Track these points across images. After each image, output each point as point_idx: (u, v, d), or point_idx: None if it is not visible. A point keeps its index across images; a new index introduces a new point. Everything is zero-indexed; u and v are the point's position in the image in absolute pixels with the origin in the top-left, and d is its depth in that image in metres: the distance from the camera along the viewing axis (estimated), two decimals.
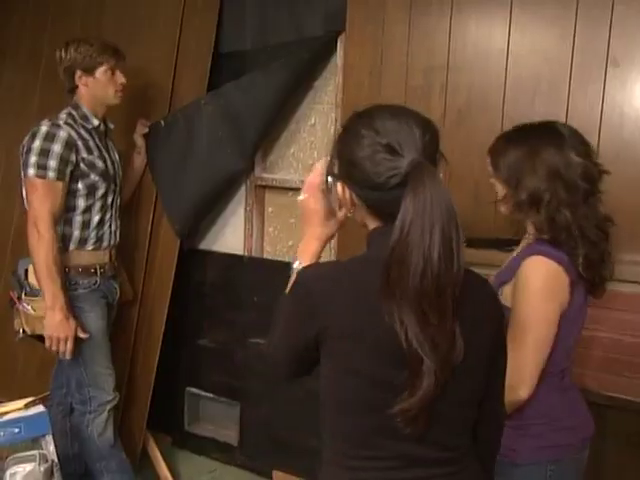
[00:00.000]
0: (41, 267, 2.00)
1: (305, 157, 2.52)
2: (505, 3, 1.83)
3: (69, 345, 2.04)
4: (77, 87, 2.14)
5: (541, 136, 1.31)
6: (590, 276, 1.30)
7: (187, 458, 2.78)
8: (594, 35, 1.70)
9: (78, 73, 2.12)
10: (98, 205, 2.15)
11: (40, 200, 2.02)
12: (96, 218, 2.15)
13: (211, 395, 2.76)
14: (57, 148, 2.01)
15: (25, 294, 2.07)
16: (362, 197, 0.99)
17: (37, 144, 2.02)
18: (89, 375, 2.17)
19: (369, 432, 0.97)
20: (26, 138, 2.07)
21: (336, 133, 1.08)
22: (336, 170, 1.04)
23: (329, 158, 1.08)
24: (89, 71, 2.11)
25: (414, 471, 0.98)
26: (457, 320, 0.92)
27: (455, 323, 0.91)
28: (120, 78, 2.16)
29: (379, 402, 0.93)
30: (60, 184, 2.04)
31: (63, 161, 2.03)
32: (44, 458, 1.78)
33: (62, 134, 2.03)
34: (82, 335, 2.07)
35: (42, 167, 2.01)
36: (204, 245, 2.75)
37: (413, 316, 0.89)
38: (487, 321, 1.02)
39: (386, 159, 0.94)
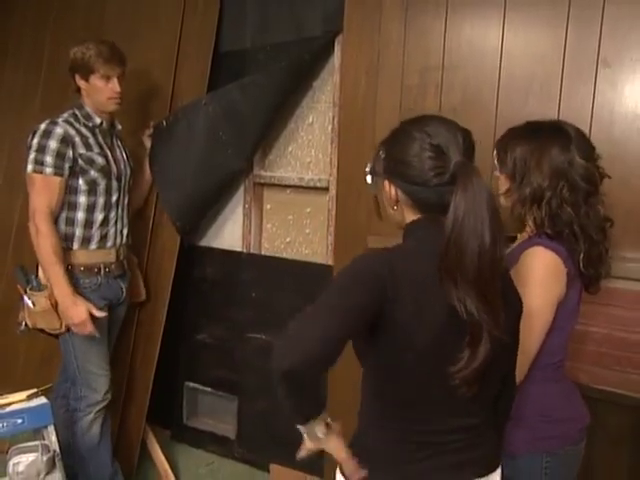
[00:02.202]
0: (43, 259, 2.05)
1: (303, 155, 2.55)
2: (499, 4, 1.86)
3: (89, 327, 2.07)
4: (79, 88, 2.18)
5: (548, 135, 1.34)
6: (588, 272, 1.35)
7: (185, 451, 2.82)
8: (585, 36, 1.74)
9: (77, 76, 2.16)
10: (101, 203, 2.18)
11: (38, 195, 2.07)
12: (100, 216, 2.18)
13: (209, 389, 2.80)
14: (53, 144, 2.05)
15: (30, 288, 2.11)
16: (408, 192, 1.11)
17: (35, 141, 2.07)
18: (82, 374, 2.20)
19: (419, 398, 1.09)
20: (29, 137, 2.11)
21: (382, 138, 1.18)
22: (382, 169, 1.15)
23: (372, 162, 1.19)
24: (84, 76, 2.15)
25: (450, 436, 1.12)
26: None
27: (501, 300, 1.04)
28: (115, 87, 2.15)
29: (433, 370, 1.06)
30: (57, 179, 2.07)
31: (60, 156, 2.06)
32: (46, 448, 1.82)
33: (58, 130, 2.07)
34: (97, 314, 2.09)
35: (39, 163, 2.05)
36: (203, 241, 2.79)
37: (473, 293, 1.01)
38: (514, 300, 1.17)
39: (435, 158, 1.07)
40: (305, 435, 1.13)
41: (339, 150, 2.27)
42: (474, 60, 1.93)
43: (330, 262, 2.38)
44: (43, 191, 2.06)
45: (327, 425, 1.11)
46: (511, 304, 1.15)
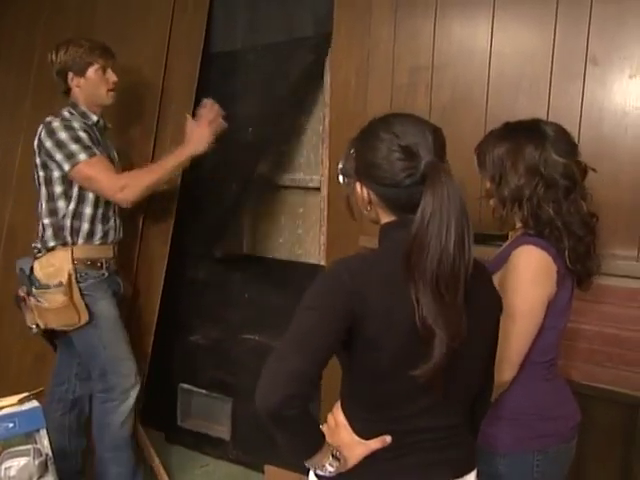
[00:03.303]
0: (155, 178, 2.14)
1: (294, 155, 2.55)
2: (488, 4, 1.87)
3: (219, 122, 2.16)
4: (71, 89, 2.17)
5: (524, 134, 1.35)
6: (577, 269, 1.35)
7: (180, 453, 2.81)
8: (574, 34, 1.74)
9: (70, 75, 2.15)
10: (103, 199, 2.18)
11: (102, 176, 2.07)
12: (101, 212, 2.18)
13: (204, 391, 2.80)
14: (81, 133, 2.07)
15: (36, 288, 2.09)
16: (380, 194, 1.10)
17: (64, 136, 2.05)
18: (111, 363, 2.19)
19: (393, 398, 1.08)
20: (41, 139, 2.08)
21: (352, 138, 1.16)
22: (353, 171, 1.14)
23: (343, 161, 1.17)
24: (80, 72, 2.14)
25: (426, 434, 1.11)
26: (465, 300, 1.04)
27: (463, 303, 1.03)
28: (112, 77, 2.18)
29: (403, 372, 1.03)
30: (105, 157, 2.11)
31: (91, 142, 2.09)
32: (38, 452, 1.81)
33: (75, 124, 2.09)
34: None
35: (85, 149, 2.05)
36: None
37: (430, 295, 1.00)
38: (490, 301, 1.17)
39: (404, 159, 1.05)
40: (312, 471, 1.12)
41: (330, 150, 2.27)
42: (463, 59, 1.93)
43: (323, 262, 2.38)
44: (104, 169, 2.08)
45: (334, 456, 1.07)
46: (486, 306, 1.14)
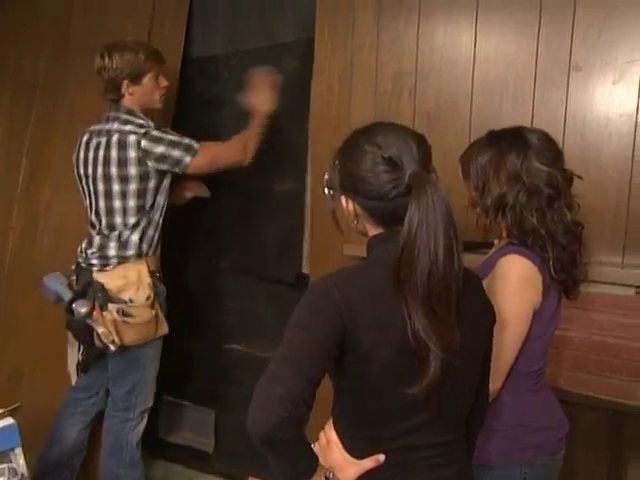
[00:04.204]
0: (255, 137, 2.16)
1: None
2: (471, 9, 1.86)
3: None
4: (124, 96, 2.11)
5: (507, 143, 1.34)
6: (562, 278, 1.33)
7: (163, 466, 2.75)
8: (557, 40, 1.74)
9: (125, 83, 2.09)
10: (163, 207, 2.17)
11: (219, 147, 2.13)
12: (162, 220, 2.18)
13: (186, 403, 2.74)
14: (170, 135, 2.07)
15: (112, 302, 2.01)
16: (366, 207, 1.08)
17: (171, 137, 2.06)
18: (142, 380, 2.18)
19: (385, 415, 1.05)
20: (145, 148, 2.03)
21: (336, 150, 1.14)
22: (338, 184, 1.12)
23: (328, 173, 1.15)
24: (136, 79, 2.09)
25: (420, 453, 1.07)
26: (458, 312, 1.02)
27: (456, 315, 1.01)
28: (163, 82, 2.17)
29: (396, 388, 1.01)
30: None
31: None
32: (14, 472, 1.75)
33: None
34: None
35: (187, 148, 2.06)
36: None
37: (421, 310, 0.98)
38: (482, 311, 1.15)
39: (388, 171, 1.03)
40: None
41: (312, 157, 2.24)
42: (447, 65, 1.92)
43: (306, 270, 2.35)
44: (215, 144, 2.12)
45: (327, 478, 1.04)
46: (478, 316, 1.13)
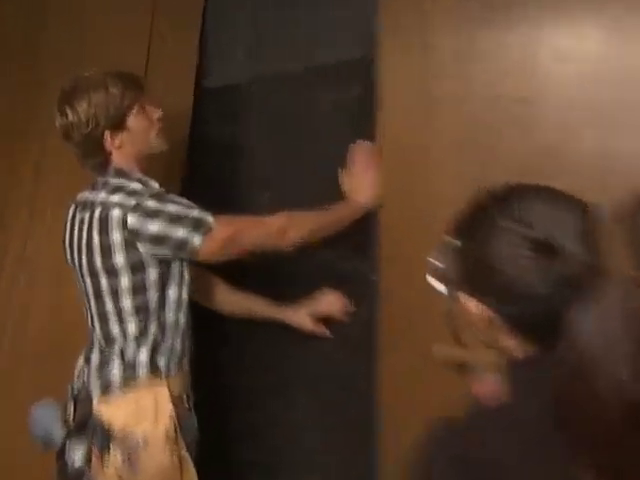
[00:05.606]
0: (319, 222, 1.62)
1: None
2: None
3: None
4: (110, 154, 1.57)
5: None
6: None
7: None
8: None
9: (106, 134, 1.54)
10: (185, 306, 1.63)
11: (246, 223, 1.57)
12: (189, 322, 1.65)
13: None
14: (171, 205, 1.51)
15: (137, 445, 1.43)
16: (502, 312, 0.80)
17: (173, 208, 1.49)
18: None
19: None
20: (133, 228, 1.46)
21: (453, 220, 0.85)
22: (459, 277, 0.84)
23: (438, 259, 0.87)
24: (119, 125, 1.55)
25: None
26: None
27: None
28: (154, 112, 1.60)
29: None
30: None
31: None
32: None
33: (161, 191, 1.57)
34: None
35: (195, 225, 1.48)
36: None
37: (596, 465, 0.66)
38: None
39: (541, 259, 0.75)
40: None
41: (382, 228, 1.71)
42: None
43: None
44: (239, 218, 1.58)
45: None
46: None
